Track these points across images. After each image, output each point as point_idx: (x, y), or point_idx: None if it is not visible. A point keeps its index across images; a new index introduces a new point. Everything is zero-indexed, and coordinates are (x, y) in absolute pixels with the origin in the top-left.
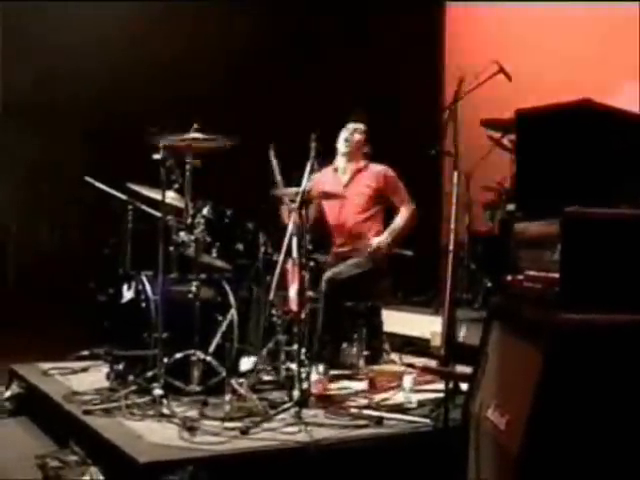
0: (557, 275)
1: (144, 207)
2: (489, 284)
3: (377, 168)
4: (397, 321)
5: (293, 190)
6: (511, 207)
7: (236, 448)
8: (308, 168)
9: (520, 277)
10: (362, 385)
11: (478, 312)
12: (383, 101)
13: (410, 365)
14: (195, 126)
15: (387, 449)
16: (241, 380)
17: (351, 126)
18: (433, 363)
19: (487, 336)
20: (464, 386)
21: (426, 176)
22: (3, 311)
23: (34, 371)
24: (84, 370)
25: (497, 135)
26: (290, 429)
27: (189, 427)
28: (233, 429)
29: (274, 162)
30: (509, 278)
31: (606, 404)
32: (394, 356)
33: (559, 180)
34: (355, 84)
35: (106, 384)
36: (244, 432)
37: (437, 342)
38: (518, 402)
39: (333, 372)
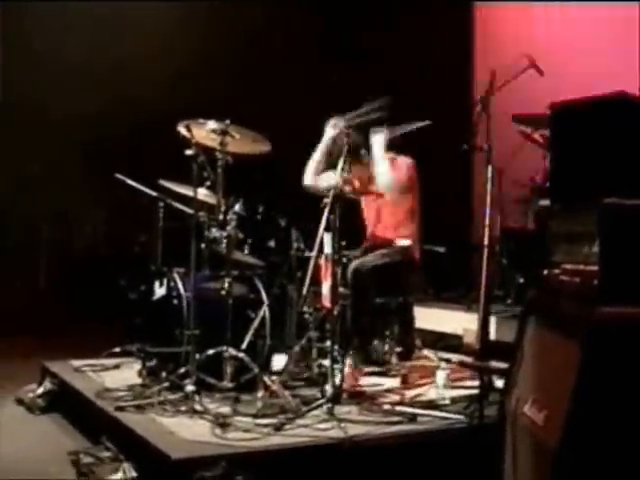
0: (595, 268)
1: (175, 204)
2: (521, 280)
3: (405, 161)
4: (429, 317)
5: (326, 185)
6: (545, 202)
7: (269, 444)
8: (341, 163)
9: (557, 271)
10: (395, 382)
11: (511, 308)
12: (413, 98)
13: (446, 360)
14: (227, 122)
15: (422, 446)
16: (273, 377)
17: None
18: (467, 359)
19: (523, 331)
20: (498, 383)
21: (456, 172)
22: (35, 310)
23: (66, 368)
24: (116, 367)
25: (528, 130)
26: (323, 425)
27: (221, 423)
28: (266, 426)
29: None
30: (545, 272)
31: None
32: (426, 352)
33: (594, 173)
34: (386, 82)
35: (138, 381)
36: (278, 428)
37: (470, 338)
38: (556, 397)
39: (365, 368)
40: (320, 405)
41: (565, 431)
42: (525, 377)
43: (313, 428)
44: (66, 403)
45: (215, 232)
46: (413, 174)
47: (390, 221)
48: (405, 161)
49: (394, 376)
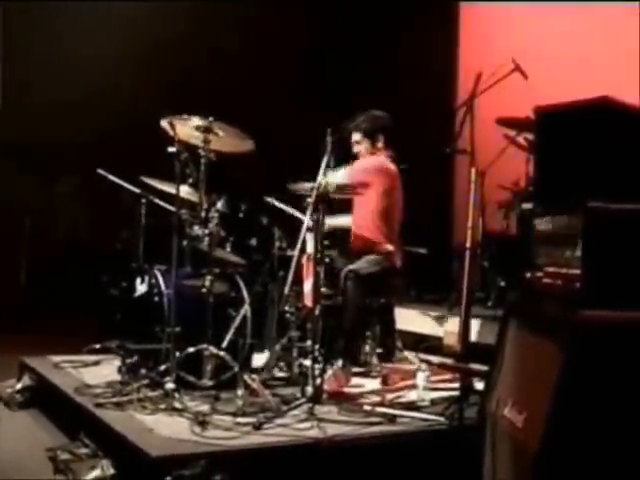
0: (578, 271)
1: (157, 200)
2: (502, 283)
3: (367, 161)
4: (410, 319)
5: (309, 185)
6: (527, 206)
7: (248, 443)
8: (324, 163)
9: (539, 274)
10: (375, 383)
11: (491, 310)
12: (396, 100)
13: (427, 362)
14: (210, 119)
15: (401, 446)
16: (254, 376)
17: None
18: (448, 361)
19: (504, 334)
20: (478, 385)
21: (439, 175)
22: (16, 306)
23: (45, 364)
24: (96, 363)
25: (512, 134)
26: (303, 425)
27: (201, 421)
28: (245, 424)
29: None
30: (528, 275)
31: (627, 402)
32: (407, 354)
33: (578, 176)
34: (369, 83)
35: (118, 378)
36: (257, 427)
37: (450, 340)
38: (537, 399)
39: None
40: (300, 405)
41: (545, 434)
42: (505, 379)
43: (292, 428)
44: (45, 399)
45: (197, 230)
46: (367, 176)
47: (361, 222)
48: (364, 163)
49: (374, 377)
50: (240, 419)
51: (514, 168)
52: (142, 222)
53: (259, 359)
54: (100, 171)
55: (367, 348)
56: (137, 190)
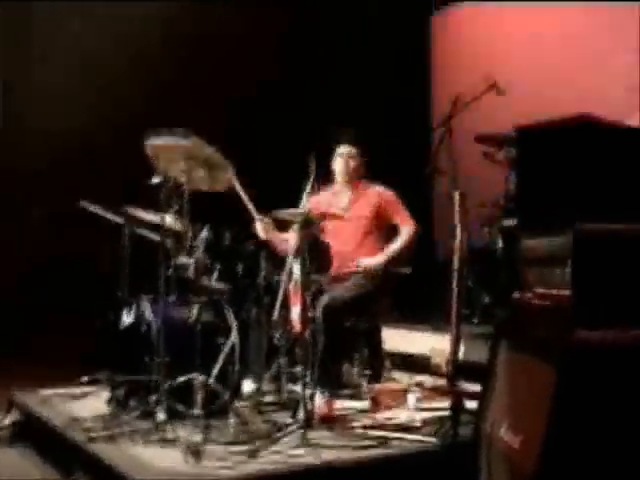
0: (568, 292)
1: (142, 231)
2: (487, 300)
3: (376, 189)
4: (395, 339)
5: (295, 211)
6: (509, 222)
7: (244, 473)
8: (307, 188)
9: (528, 295)
10: (365, 404)
11: (477, 327)
12: (370, 119)
13: (416, 384)
14: (190, 137)
15: (397, 469)
16: (244, 403)
17: (343, 151)
18: (436, 381)
19: (495, 355)
20: (469, 404)
21: (416, 194)
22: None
23: (34, 398)
24: (84, 396)
25: (491, 150)
26: (296, 451)
27: (194, 452)
28: (239, 453)
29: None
30: (516, 296)
31: (622, 422)
32: (395, 374)
33: (560, 193)
34: (342, 101)
35: (106, 410)
36: (251, 455)
37: (437, 359)
38: (532, 421)
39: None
40: (292, 431)
41: (542, 456)
42: (499, 401)
43: (287, 455)
44: (34, 434)
45: (182, 259)
46: (382, 205)
47: (352, 245)
48: (375, 190)
49: (364, 399)
50: (233, 448)
51: (493, 185)
52: (126, 252)
53: (248, 385)
54: (83, 203)
55: (355, 370)
56: (120, 220)
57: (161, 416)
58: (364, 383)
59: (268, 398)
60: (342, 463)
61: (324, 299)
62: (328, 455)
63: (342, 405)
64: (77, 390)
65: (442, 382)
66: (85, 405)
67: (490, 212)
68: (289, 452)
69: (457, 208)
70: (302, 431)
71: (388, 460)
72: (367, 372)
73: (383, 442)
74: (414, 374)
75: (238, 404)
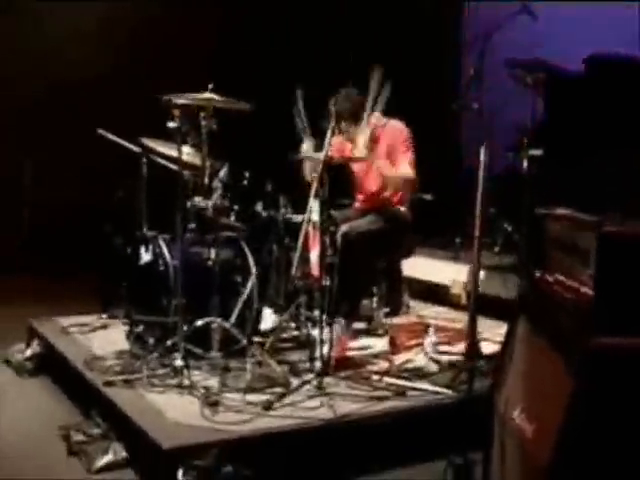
0: (590, 292)
1: (160, 160)
2: (509, 228)
3: (395, 126)
4: (416, 266)
5: (315, 155)
6: (536, 152)
7: (259, 428)
8: (329, 133)
9: (550, 279)
10: (382, 342)
11: (498, 257)
12: (402, 56)
13: (436, 326)
14: (210, 86)
15: (410, 422)
16: (261, 340)
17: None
18: (456, 315)
19: (514, 329)
20: (485, 349)
21: (444, 122)
22: (19, 260)
23: (53, 328)
24: (103, 327)
25: (522, 74)
26: (311, 403)
27: (210, 403)
28: (255, 404)
29: (301, 107)
30: (538, 274)
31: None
32: (413, 304)
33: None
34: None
35: (126, 346)
36: (266, 408)
37: (456, 290)
38: (546, 413)
39: (353, 332)
40: (308, 381)
41: (556, 452)
42: (515, 380)
43: (302, 407)
44: (54, 368)
45: (200, 201)
46: (397, 141)
47: (377, 184)
48: (394, 127)
49: (381, 335)
50: (250, 397)
51: (523, 110)
52: (143, 184)
53: (266, 317)
54: (100, 131)
55: (374, 304)
56: (138, 149)
57: (178, 362)
58: (382, 318)
59: (286, 335)
60: (357, 417)
61: (344, 228)
62: (342, 407)
63: (359, 343)
64: (97, 321)
65: (461, 315)
66: (105, 338)
67: (516, 138)
68: (304, 404)
69: (482, 154)
70: (318, 380)
71: (403, 413)
72: (385, 308)
73: (399, 394)
74: (433, 305)
75: (256, 343)
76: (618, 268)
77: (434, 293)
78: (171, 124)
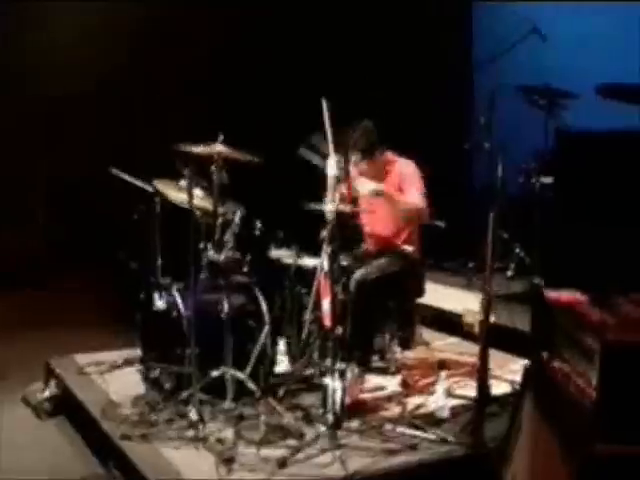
0: (594, 394)
1: (171, 198)
2: (522, 253)
3: (405, 163)
4: (428, 293)
5: (326, 208)
6: (547, 180)
7: None
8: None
9: (556, 365)
10: (395, 382)
11: (511, 282)
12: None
13: (447, 366)
14: (221, 137)
15: (420, 476)
16: (276, 382)
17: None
18: (465, 345)
19: (520, 403)
20: (495, 390)
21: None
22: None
23: (70, 368)
24: (120, 367)
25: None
26: (324, 459)
27: (225, 459)
28: (269, 460)
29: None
30: (545, 356)
31: None
32: (425, 333)
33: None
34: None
35: (142, 389)
36: (281, 465)
37: (469, 319)
38: None
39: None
40: (321, 435)
41: None
42: (521, 458)
43: (314, 464)
44: (72, 410)
45: (212, 255)
46: (416, 172)
47: (384, 223)
48: (407, 163)
49: (394, 373)
50: (264, 451)
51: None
52: (157, 226)
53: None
54: (114, 170)
55: (386, 340)
56: (151, 189)
57: (193, 415)
58: (395, 352)
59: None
60: (371, 473)
61: (357, 276)
62: (355, 461)
63: (372, 383)
64: (113, 357)
65: (473, 347)
66: (121, 380)
67: (532, 165)
68: (317, 460)
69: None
70: (331, 432)
71: (414, 468)
72: (397, 347)
73: (411, 447)
74: (445, 334)
75: (269, 390)
76: (621, 376)
77: (447, 321)
78: (183, 182)
